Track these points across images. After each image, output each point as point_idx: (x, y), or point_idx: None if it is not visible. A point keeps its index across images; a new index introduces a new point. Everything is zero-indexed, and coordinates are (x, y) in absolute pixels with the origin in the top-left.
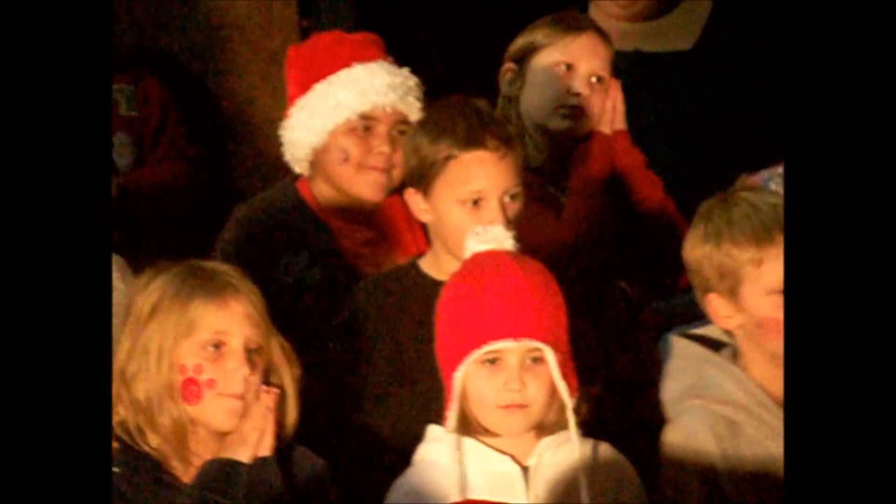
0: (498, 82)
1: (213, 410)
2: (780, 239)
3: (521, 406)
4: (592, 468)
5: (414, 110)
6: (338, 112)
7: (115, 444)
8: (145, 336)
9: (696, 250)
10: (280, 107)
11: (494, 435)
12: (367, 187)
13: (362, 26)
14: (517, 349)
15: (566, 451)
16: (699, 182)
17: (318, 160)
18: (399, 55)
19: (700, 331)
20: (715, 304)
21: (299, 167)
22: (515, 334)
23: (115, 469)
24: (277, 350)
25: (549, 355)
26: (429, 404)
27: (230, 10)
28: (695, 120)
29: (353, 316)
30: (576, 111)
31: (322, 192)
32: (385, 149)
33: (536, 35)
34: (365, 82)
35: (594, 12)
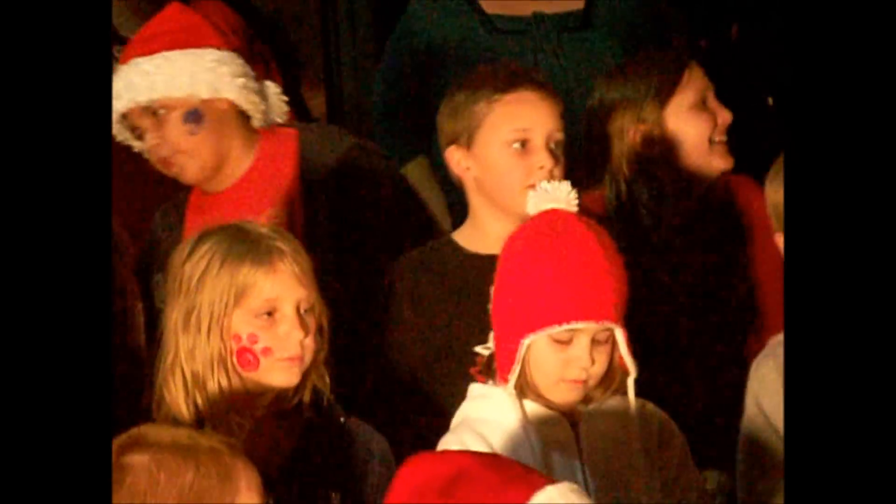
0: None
1: (273, 375)
2: None
3: (585, 381)
4: (641, 423)
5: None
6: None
7: None
8: (196, 307)
9: (773, 194)
10: None
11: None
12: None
13: None
14: (592, 329)
15: (612, 410)
16: None
17: None
18: None
19: None
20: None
21: None
22: (596, 317)
23: None
24: (324, 310)
25: (620, 336)
26: (457, 383)
27: None
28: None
29: (389, 293)
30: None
31: None
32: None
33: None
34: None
35: None
